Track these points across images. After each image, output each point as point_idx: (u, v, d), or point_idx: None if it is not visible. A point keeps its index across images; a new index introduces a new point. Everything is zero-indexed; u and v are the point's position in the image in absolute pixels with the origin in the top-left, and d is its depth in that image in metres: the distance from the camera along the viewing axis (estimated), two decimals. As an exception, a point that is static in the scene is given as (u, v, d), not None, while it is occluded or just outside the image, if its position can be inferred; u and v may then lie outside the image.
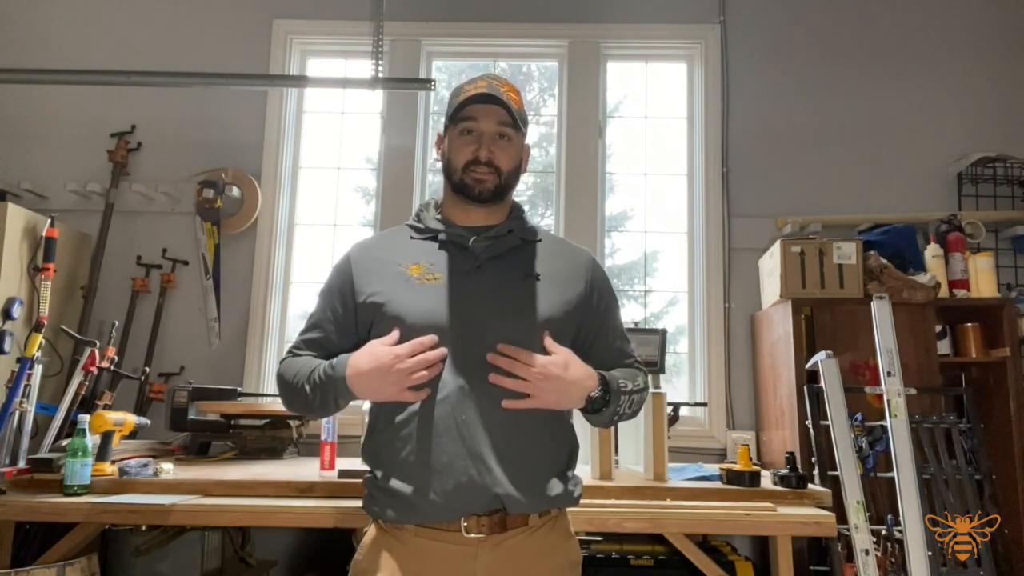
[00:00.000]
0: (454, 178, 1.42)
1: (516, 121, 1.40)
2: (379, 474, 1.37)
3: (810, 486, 2.16)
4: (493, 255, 1.40)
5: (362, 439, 1.45)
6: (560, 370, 1.30)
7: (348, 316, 1.43)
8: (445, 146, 1.46)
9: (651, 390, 2.25)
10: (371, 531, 1.40)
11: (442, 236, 1.41)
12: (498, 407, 1.30)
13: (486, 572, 1.31)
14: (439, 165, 1.51)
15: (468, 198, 1.41)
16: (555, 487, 1.36)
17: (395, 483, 1.32)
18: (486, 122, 1.39)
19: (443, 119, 1.48)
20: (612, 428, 2.27)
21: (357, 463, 2.31)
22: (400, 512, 1.32)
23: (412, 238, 1.45)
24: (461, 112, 1.40)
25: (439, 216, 1.45)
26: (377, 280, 1.40)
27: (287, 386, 1.40)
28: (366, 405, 2.29)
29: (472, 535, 1.30)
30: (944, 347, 2.87)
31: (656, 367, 2.36)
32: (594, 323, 1.47)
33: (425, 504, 1.29)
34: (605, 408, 1.36)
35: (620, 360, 1.49)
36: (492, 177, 1.39)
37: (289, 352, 1.46)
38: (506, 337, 1.32)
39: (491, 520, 1.31)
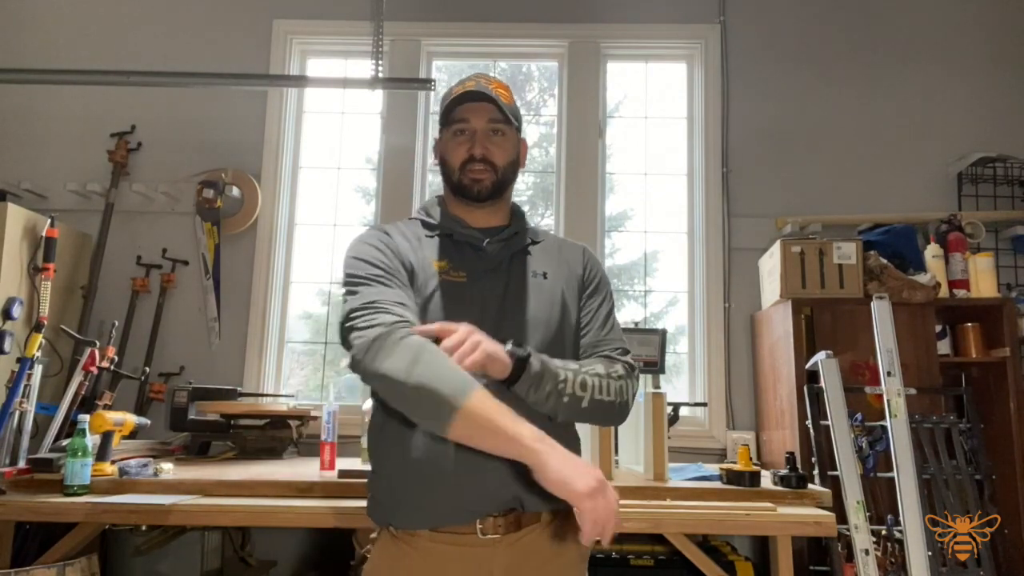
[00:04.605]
0: (453, 179, 1.43)
1: (507, 116, 1.41)
2: (388, 477, 1.32)
3: (810, 486, 2.16)
4: (507, 256, 1.42)
5: (363, 439, 1.44)
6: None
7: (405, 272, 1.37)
8: (441, 148, 1.46)
9: (651, 390, 2.25)
10: (380, 539, 1.35)
11: (457, 236, 1.42)
12: (510, 404, 1.24)
13: (504, 572, 1.29)
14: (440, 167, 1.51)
15: (468, 198, 1.42)
16: None
17: (407, 486, 1.29)
18: (477, 119, 1.40)
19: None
20: (612, 428, 2.27)
21: (357, 463, 2.32)
22: (413, 517, 1.29)
23: (427, 235, 1.44)
24: (452, 113, 1.41)
25: (451, 215, 1.45)
26: (413, 265, 1.37)
27: None
28: (366, 404, 2.30)
29: (488, 536, 1.28)
30: (944, 347, 2.87)
31: (656, 367, 2.36)
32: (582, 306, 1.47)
33: (439, 507, 1.27)
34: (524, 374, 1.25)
35: (589, 350, 1.42)
36: (489, 174, 1.40)
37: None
38: (526, 333, 1.34)
39: (507, 520, 1.29)
